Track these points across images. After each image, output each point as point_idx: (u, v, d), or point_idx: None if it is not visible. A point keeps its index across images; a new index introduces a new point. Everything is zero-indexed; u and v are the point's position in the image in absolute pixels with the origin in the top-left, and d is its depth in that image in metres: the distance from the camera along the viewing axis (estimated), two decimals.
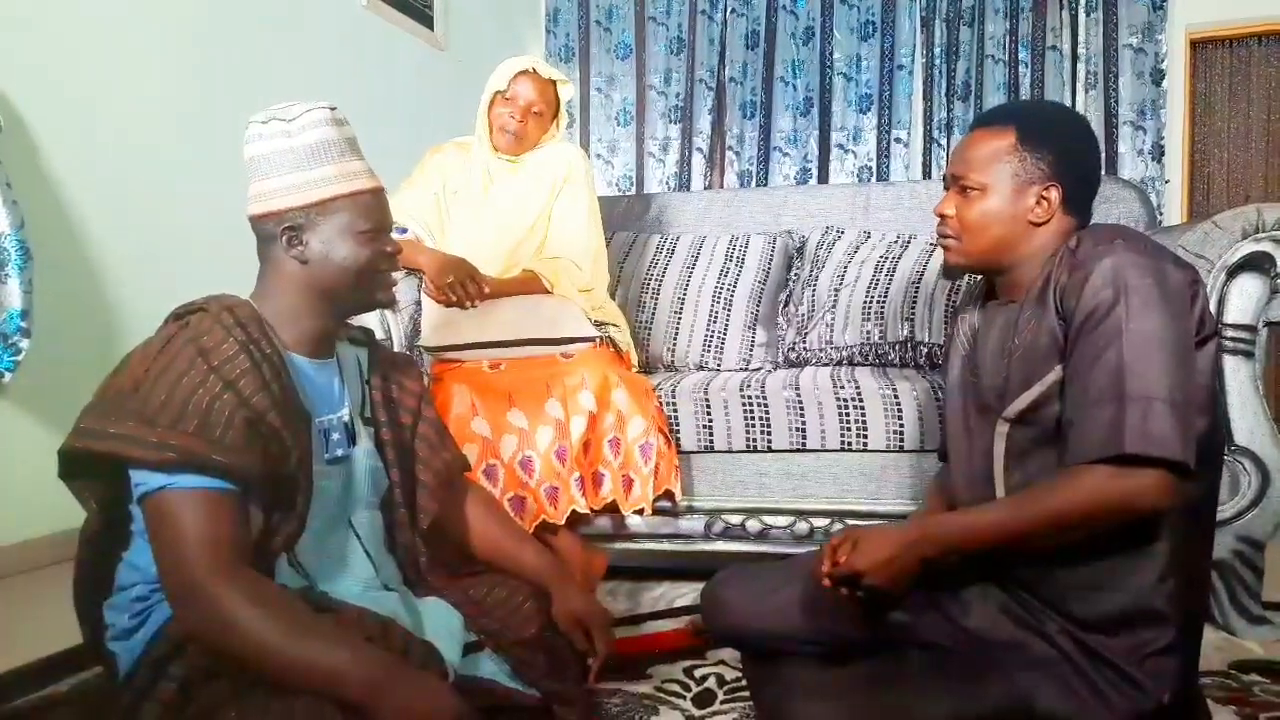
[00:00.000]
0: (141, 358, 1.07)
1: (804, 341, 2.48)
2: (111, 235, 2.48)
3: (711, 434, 2.07)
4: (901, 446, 1.99)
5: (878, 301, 2.39)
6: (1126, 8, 4.15)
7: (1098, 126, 4.15)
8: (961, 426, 1.30)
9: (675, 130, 4.69)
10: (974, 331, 1.31)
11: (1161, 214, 4.05)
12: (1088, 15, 4.19)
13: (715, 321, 2.52)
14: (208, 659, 1.03)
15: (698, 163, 4.66)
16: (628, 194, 4.61)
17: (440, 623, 1.21)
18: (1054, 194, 1.19)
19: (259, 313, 1.15)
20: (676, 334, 2.54)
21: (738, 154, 4.63)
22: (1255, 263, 1.74)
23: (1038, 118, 1.27)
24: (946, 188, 1.28)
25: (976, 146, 1.23)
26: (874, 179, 4.43)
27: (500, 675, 1.22)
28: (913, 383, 2.03)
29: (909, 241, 2.51)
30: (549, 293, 2.12)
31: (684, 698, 1.51)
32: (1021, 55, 4.29)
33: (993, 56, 4.31)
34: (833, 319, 2.44)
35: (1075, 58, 4.22)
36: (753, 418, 2.05)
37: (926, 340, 2.30)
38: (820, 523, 2.04)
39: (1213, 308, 1.75)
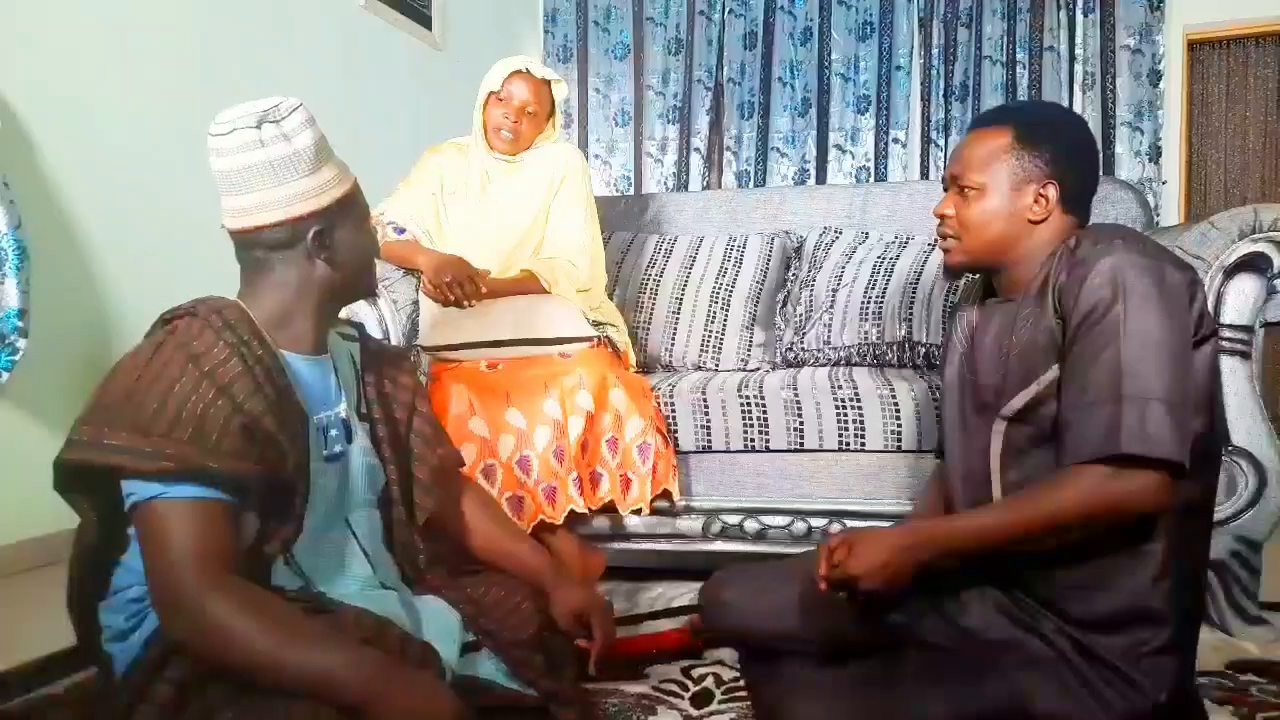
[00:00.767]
0: (131, 365, 1.06)
1: (802, 342, 2.48)
2: (109, 235, 2.48)
3: (709, 434, 2.07)
4: (899, 447, 1.99)
5: (875, 302, 2.39)
6: (1124, 9, 4.15)
7: (1095, 127, 4.16)
8: (959, 425, 1.30)
9: (673, 130, 4.69)
10: (971, 330, 1.31)
11: (1159, 215, 4.06)
12: (1085, 16, 4.19)
13: (713, 322, 2.52)
14: (204, 662, 1.03)
15: (696, 163, 4.66)
16: (626, 194, 4.61)
17: (438, 622, 1.21)
18: (1051, 192, 1.20)
19: (247, 313, 1.14)
20: (674, 334, 2.54)
21: (736, 154, 4.63)
22: (1252, 263, 1.74)
23: (1034, 117, 1.28)
24: (945, 189, 1.29)
25: (974, 147, 1.24)
26: (872, 179, 4.43)
27: (498, 675, 1.22)
28: (910, 383, 2.03)
29: (907, 242, 2.52)
30: (547, 292, 2.12)
31: (682, 698, 1.51)
32: (1019, 56, 4.30)
33: (990, 57, 4.31)
34: (830, 319, 2.44)
35: (1073, 58, 4.23)
36: (750, 418, 2.05)
37: (924, 340, 2.30)
38: (818, 523, 2.04)
39: (1210, 308, 1.75)
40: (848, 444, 2.02)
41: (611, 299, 2.44)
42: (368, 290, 1.30)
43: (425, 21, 3.96)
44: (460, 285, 1.95)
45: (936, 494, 1.43)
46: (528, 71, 2.12)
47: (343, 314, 1.33)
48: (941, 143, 4.38)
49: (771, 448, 2.05)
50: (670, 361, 2.53)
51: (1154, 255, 1.11)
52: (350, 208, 1.20)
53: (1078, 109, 4.17)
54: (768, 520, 2.06)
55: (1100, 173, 1.34)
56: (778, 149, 4.58)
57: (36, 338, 2.09)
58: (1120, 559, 1.13)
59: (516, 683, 1.22)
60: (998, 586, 1.22)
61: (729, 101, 4.62)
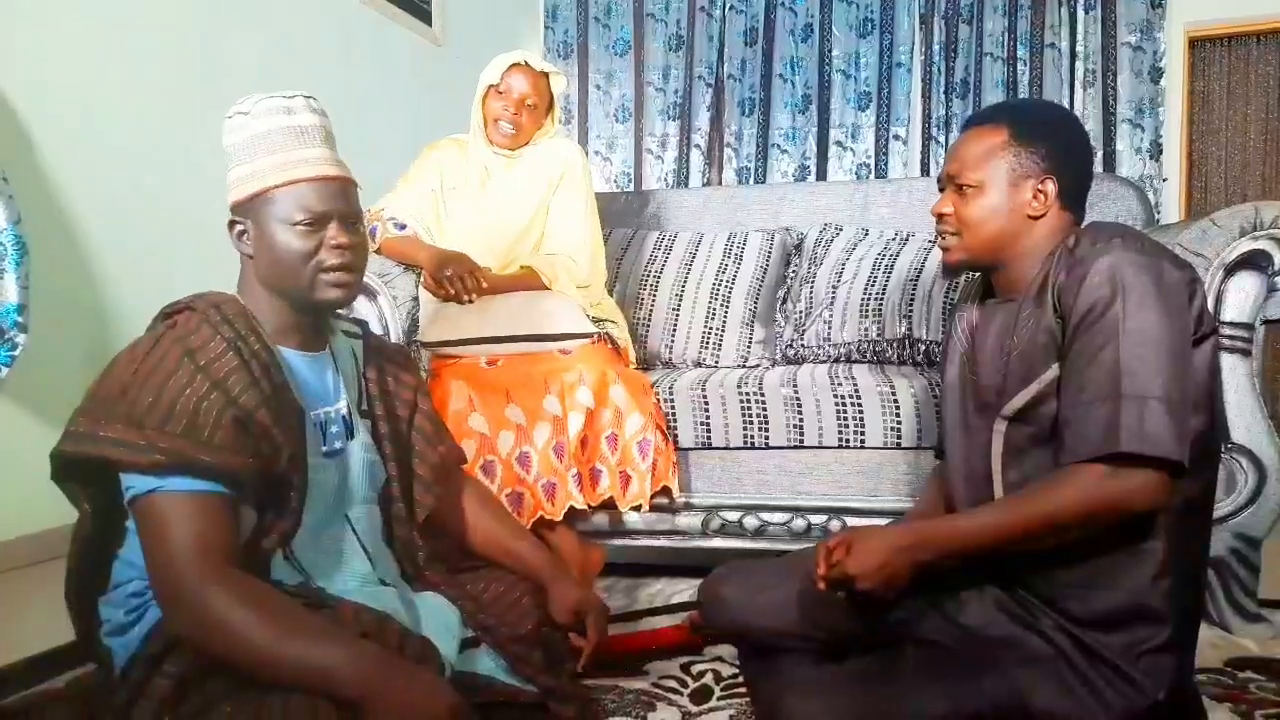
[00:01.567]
0: (129, 359, 1.06)
1: (802, 338, 2.48)
2: (108, 230, 2.47)
3: (709, 431, 2.07)
4: (899, 444, 1.99)
5: (875, 299, 2.39)
6: (1125, 5, 4.15)
7: (1096, 124, 4.15)
8: (960, 424, 1.30)
9: (674, 127, 4.68)
10: (972, 329, 1.31)
11: (1159, 212, 4.06)
12: (1086, 13, 4.19)
13: (713, 318, 2.52)
14: (204, 656, 1.03)
15: (696, 159, 4.66)
16: (626, 191, 4.60)
17: (437, 618, 1.21)
18: (1050, 186, 1.20)
19: (245, 308, 1.15)
20: (674, 330, 2.53)
21: (736, 151, 4.63)
22: (1253, 261, 1.74)
23: (1029, 114, 1.28)
24: (942, 189, 1.29)
25: (969, 145, 1.24)
26: (872, 176, 4.43)
27: (497, 671, 1.22)
28: (910, 380, 2.03)
29: (907, 239, 2.52)
30: (547, 289, 2.11)
31: (681, 694, 1.51)
32: (1020, 53, 4.29)
33: (991, 54, 4.31)
34: (830, 316, 2.44)
35: (1074, 55, 4.22)
36: (750, 415, 2.05)
37: (924, 337, 2.30)
38: (817, 519, 2.04)
39: (1210, 306, 1.75)
40: (847, 441, 2.02)
41: (611, 295, 2.44)
42: (305, 300, 1.17)
43: (425, 17, 3.95)
44: (461, 280, 1.95)
45: (936, 492, 1.43)
46: (527, 64, 2.12)
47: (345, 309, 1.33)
48: (942, 139, 4.38)
49: (771, 444, 2.05)
50: (670, 358, 2.53)
51: (1153, 254, 1.10)
52: (270, 203, 1.13)
53: (1078, 106, 4.17)
54: (767, 517, 2.06)
55: (1095, 169, 1.34)
56: (778, 145, 4.57)
57: (36, 333, 2.09)
58: (1120, 557, 1.13)
59: (515, 679, 1.22)
60: (997, 584, 1.22)
61: (729, 98, 4.62)
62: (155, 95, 2.63)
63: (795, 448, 2.05)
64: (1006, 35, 4.30)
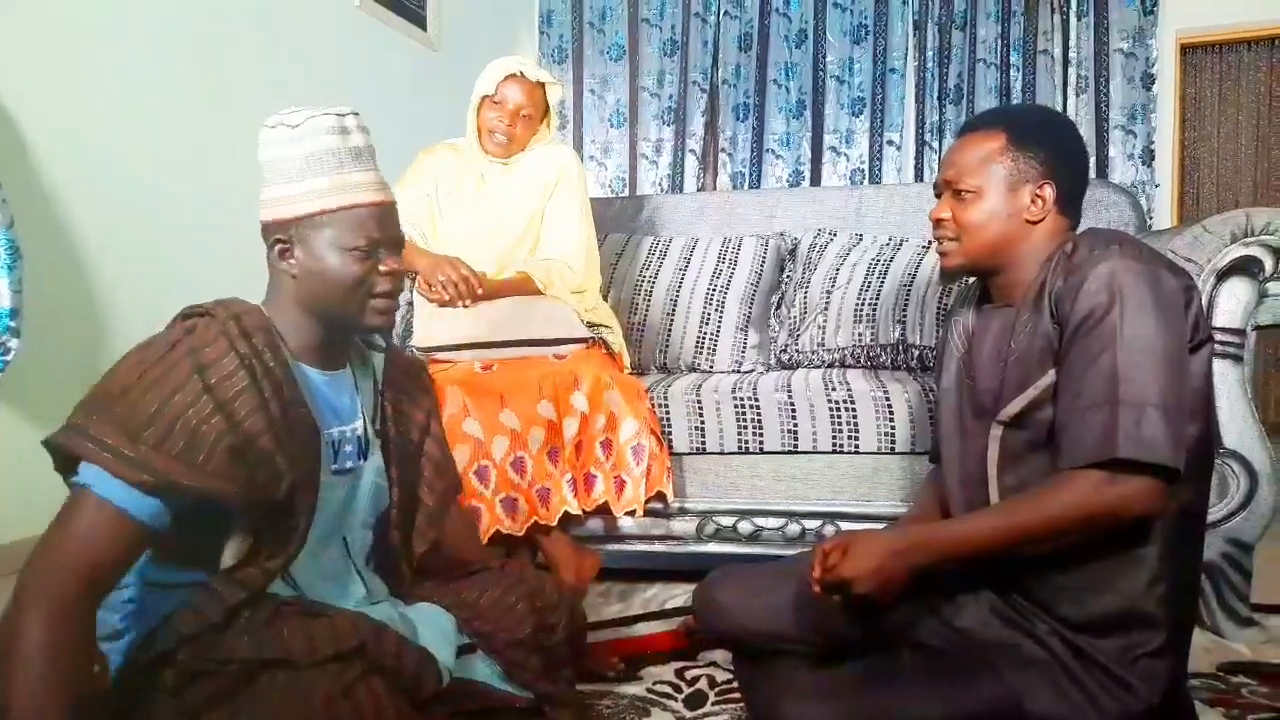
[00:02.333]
0: (138, 360, 1.03)
1: (796, 344, 2.48)
2: (102, 235, 2.47)
3: (704, 436, 2.07)
4: (893, 448, 2.00)
5: (869, 304, 2.40)
6: (1117, 12, 4.17)
7: (1088, 130, 4.17)
8: (956, 429, 1.31)
9: (668, 132, 4.69)
10: (969, 334, 1.31)
11: (1151, 218, 4.07)
12: (1079, 20, 4.21)
13: (707, 323, 2.53)
14: (197, 663, 1.02)
15: (690, 165, 4.66)
16: (620, 196, 4.61)
17: (433, 627, 1.21)
18: (1048, 191, 1.20)
19: (269, 321, 1.12)
20: (669, 336, 2.54)
21: (730, 156, 4.63)
22: (1244, 267, 1.75)
23: (1026, 119, 1.28)
24: (938, 195, 1.29)
25: (966, 151, 1.24)
26: (866, 182, 4.44)
27: (493, 677, 1.22)
28: (904, 385, 2.03)
29: (901, 244, 2.52)
30: (541, 294, 2.11)
31: (675, 699, 1.51)
32: (1013, 59, 4.31)
33: (984, 60, 4.32)
34: (825, 321, 2.44)
35: (1066, 62, 4.24)
36: (745, 420, 2.05)
37: (918, 343, 2.31)
38: (812, 524, 2.04)
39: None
40: (842, 446, 2.02)
41: (606, 300, 2.44)
42: (350, 324, 1.17)
43: (420, 22, 3.95)
44: (456, 285, 1.95)
45: (931, 496, 1.43)
46: (522, 75, 2.12)
47: None
48: (936, 145, 4.39)
49: (766, 449, 2.05)
50: (665, 363, 2.53)
51: (1150, 260, 1.11)
52: (324, 226, 1.12)
53: (1071, 112, 4.18)
54: (762, 522, 2.06)
55: (1091, 174, 1.34)
56: (772, 151, 4.58)
57: (29, 338, 2.08)
58: (1115, 562, 1.13)
59: (511, 684, 1.22)
60: (993, 588, 1.22)
61: (724, 103, 4.62)
62: (150, 100, 2.63)
63: (790, 453, 2.05)
64: (999, 42, 4.31)
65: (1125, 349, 1.06)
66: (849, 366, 2.37)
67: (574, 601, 1.37)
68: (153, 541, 1.03)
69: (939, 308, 2.32)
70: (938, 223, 1.27)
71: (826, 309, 2.46)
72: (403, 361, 1.38)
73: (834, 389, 2.04)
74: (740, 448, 2.06)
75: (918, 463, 1.98)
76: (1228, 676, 1.58)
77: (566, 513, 1.91)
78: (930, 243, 2.47)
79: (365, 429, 1.23)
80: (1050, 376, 1.14)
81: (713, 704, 1.49)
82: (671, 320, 2.55)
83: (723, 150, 4.64)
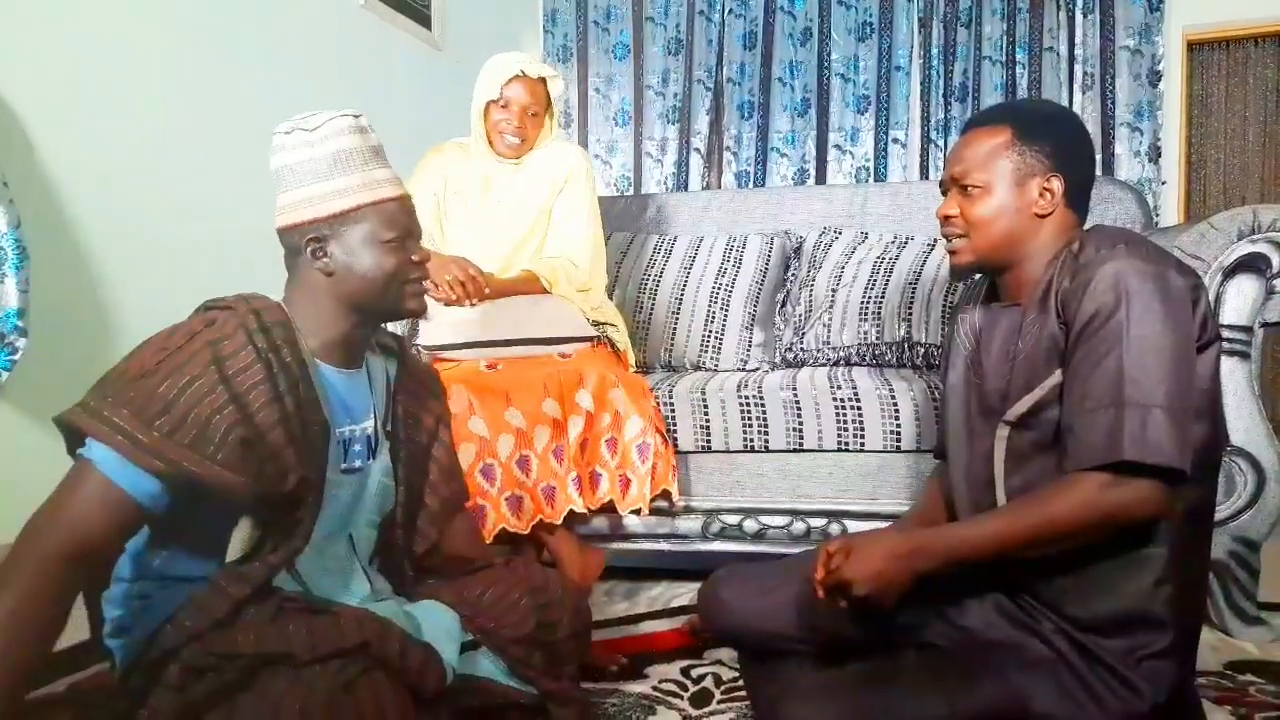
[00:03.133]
0: (159, 347, 1.05)
1: (801, 342, 2.48)
2: (109, 235, 2.48)
3: (709, 434, 2.07)
4: (898, 447, 1.99)
5: (875, 302, 2.39)
6: (1123, 9, 4.15)
7: (1095, 128, 4.16)
8: (964, 428, 1.30)
9: (673, 131, 4.68)
10: (976, 333, 1.30)
11: (1158, 215, 4.06)
12: (1085, 17, 4.19)
13: (712, 322, 2.53)
14: (201, 658, 1.03)
15: (695, 163, 4.66)
16: (625, 194, 4.60)
17: (437, 624, 1.21)
18: (1056, 184, 1.20)
19: (288, 317, 1.13)
20: (674, 334, 2.54)
21: (735, 154, 4.63)
22: (1251, 264, 1.74)
23: (1032, 113, 1.27)
24: (944, 192, 1.28)
25: (973, 146, 1.23)
26: (871, 180, 4.42)
27: (497, 674, 1.22)
28: (909, 383, 2.03)
29: (906, 242, 2.52)
30: (547, 292, 2.11)
31: (681, 697, 1.51)
32: (1019, 56, 4.30)
33: (990, 58, 4.31)
34: (830, 319, 2.44)
35: (1072, 59, 4.23)
36: (750, 418, 2.05)
37: (923, 340, 2.31)
38: (817, 523, 2.04)
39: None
40: (847, 444, 2.02)
41: (611, 299, 2.44)
42: (389, 312, 1.22)
43: (425, 21, 3.95)
44: (463, 285, 1.95)
45: (937, 492, 1.43)
46: (524, 73, 2.12)
47: None
48: (941, 143, 4.38)
49: (771, 448, 2.05)
50: (670, 361, 2.53)
51: (1158, 260, 1.10)
52: (357, 221, 1.15)
53: (1077, 109, 4.17)
54: (767, 520, 2.06)
55: (1097, 170, 1.34)
56: (777, 149, 4.58)
57: (36, 338, 2.09)
58: (1121, 563, 1.12)
59: (515, 680, 1.22)
60: (998, 588, 1.22)
61: (729, 101, 4.62)
62: (155, 99, 2.64)
63: (795, 451, 2.05)
64: (1005, 39, 4.30)
65: (1131, 350, 1.06)
66: (854, 364, 2.36)
67: (579, 599, 1.37)
68: (146, 523, 1.05)
69: (944, 305, 2.32)
70: (946, 219, 1.26)
71: (832, 307, 2.45)
72: (416, 366, 1.39)
73: (839, 387, 2.04)
74: (745, 446, 2.06)
75: (923, 461, 1.97)
76: (1235, 675, 1.57)
77: (572, 511, 1.91)
78: (935, 241, 2.46)
79: (375, 429, 1.24)
80: (1056, 377, 1.14)
81: (718, 702, 1.49)
82: (676, 319, 2.55)
83: (727, 149, 4.64)
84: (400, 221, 1.18)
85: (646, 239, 2.76)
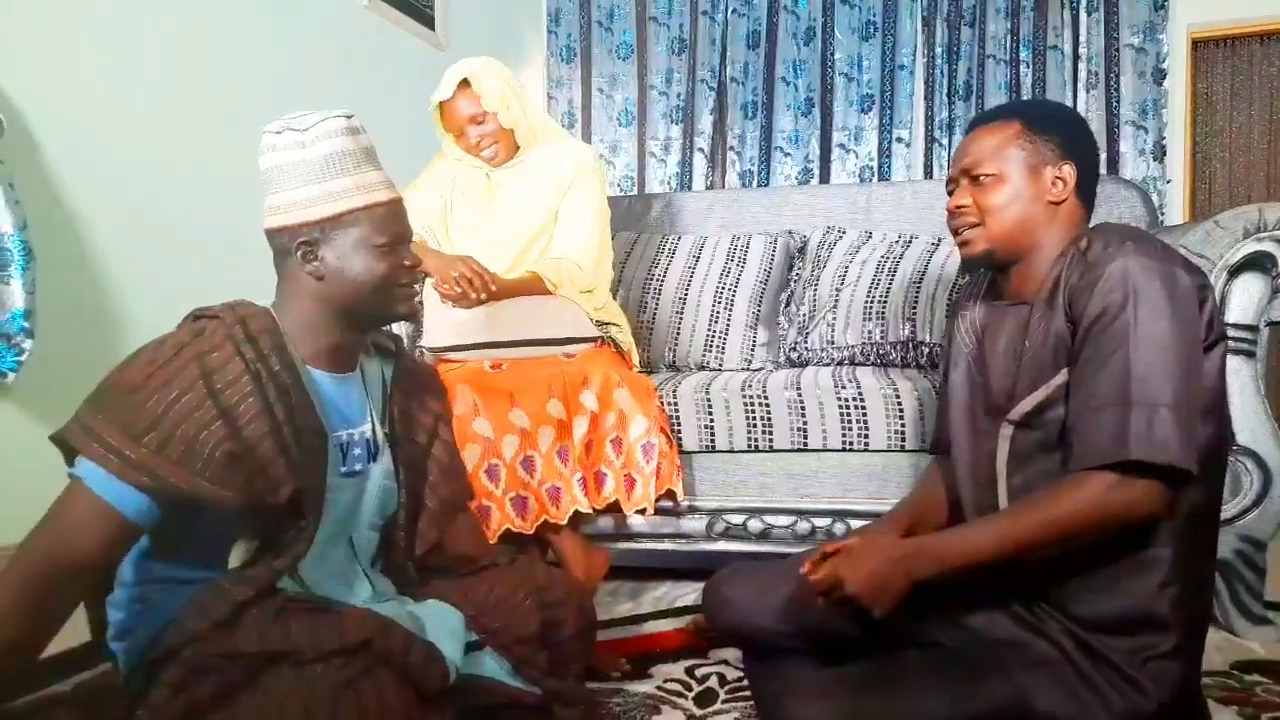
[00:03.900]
0: (149, 361, 1.05)
1: (805, 341, 2.48)
2: (115, 236, 2.48)
3: (713, 434, 2.07)
4: (903, 446, 1.99)
5: (879, 301, 2.39)
6: (1128, 7, 4.15)
7: (1099, 126, 4.15)
8: (967, 427, 1.30)
9: (677, 130, 4.69)
10: (978, 331, 1.30)
11: (1163, 214, 4.05)
12: (1089, 15, 4.18)
13: (717, 321, 2.52)
14: (204, 659, 1.03)
15: (699, 163, 4.66)
16: (629, 194, 4.61)
17: (441, 624, 1.21)
18: (1069, 171, 1.20)
19: (277, 324, 1.13)
20: (678, 334, 2.54)
21: (739, 154, 4.63)
22: (1257, 262, 1.74)
23: (1038, 108, 1.29)
24: (950, 191, 1.27)
25: (982, 140, 1.23)
26: (875, 179, 4.42)
27: (501, 674, 1.22)
28: (914, 382, 2.03)
29: (910, 241, 2.51)
30: (551, 293, 2.11)
31: (685, 697, 1.51)
32: (1023, 55, 4.29)
33: (994, 56, 4.30)
34: (834, 319, 2.44)
35: (1076, 57, 4.22)
36: (754, 418, 2.05)
37: (928, 340, 2.30)
38: (822, 522, 2.04)
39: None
40: (851, 444, 2.01)
41: (615, 299, 2.44)
42: (381, 316, 1.22)
43: (428, 21, 3.96)
44: (470, 281, 1.95)
45: (931, 486, 1.43)
46: (453, 94, 2.08)
47: None
48: (945, 142, 4.38)
49: (775, 447, 2.05)
50: (674, 361, 2.53)
51: (1165, 259, 1.09)
52: (349, 226, 1.14)
53: (1081, 108, 4.16)
54: (771, 520, 2.06)
55: (1101, 170, 1.34)
56: (781, 148, 4.57)
57: (42, 338, 2.10)
58: (1127, 563, 1.12)
59: (520, 681, 1.22)
60: (1002, 588, 1.22)
61: (732, 101, 4.62)
62: (162, 101, 2.64)
63: (799, 451, 2.05)
64: (1009, 37, 4.30)
65: (1139, 349, 1.05)
66: (858, 364, 2.36)
67: (584, 599, 1.37)
68: (138, 536, 1.06)
69: (948, 304, 2.31)
70: (958, 211, 1.25)
71: (836, 306, 2.45)
72: (413, 366, 1.38)
73: (843, 387, 2.04)
74: (750, 446, 2.06)
75: (927, 460, 1.96)
76: (1241, 674, 1.57)
77: (577, 511, 1.91)
78: (939, 240, 2.46)
79: (374, 432, 1.24)
80: (1062, 376, 1.13)
81: (723, 702, 1.49)
82: (680, 318, 2.55)
83: (731, 148, 4.64)
84: (392, 226, 1.17)
85: (650, 239, 2.76)
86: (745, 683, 1.50)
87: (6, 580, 0.98)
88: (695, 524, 2.08)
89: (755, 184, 4.59)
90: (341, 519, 1.20)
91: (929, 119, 4.44)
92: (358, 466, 1.21)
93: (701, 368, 2.49)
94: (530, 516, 1.85)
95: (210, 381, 1.03)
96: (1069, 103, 4.16)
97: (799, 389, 2.05)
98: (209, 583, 1.08)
